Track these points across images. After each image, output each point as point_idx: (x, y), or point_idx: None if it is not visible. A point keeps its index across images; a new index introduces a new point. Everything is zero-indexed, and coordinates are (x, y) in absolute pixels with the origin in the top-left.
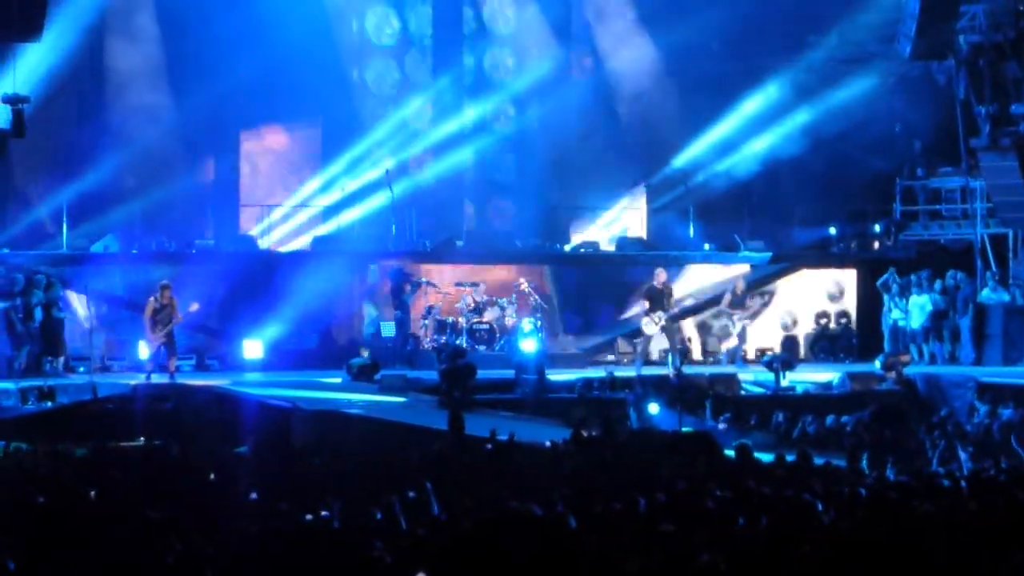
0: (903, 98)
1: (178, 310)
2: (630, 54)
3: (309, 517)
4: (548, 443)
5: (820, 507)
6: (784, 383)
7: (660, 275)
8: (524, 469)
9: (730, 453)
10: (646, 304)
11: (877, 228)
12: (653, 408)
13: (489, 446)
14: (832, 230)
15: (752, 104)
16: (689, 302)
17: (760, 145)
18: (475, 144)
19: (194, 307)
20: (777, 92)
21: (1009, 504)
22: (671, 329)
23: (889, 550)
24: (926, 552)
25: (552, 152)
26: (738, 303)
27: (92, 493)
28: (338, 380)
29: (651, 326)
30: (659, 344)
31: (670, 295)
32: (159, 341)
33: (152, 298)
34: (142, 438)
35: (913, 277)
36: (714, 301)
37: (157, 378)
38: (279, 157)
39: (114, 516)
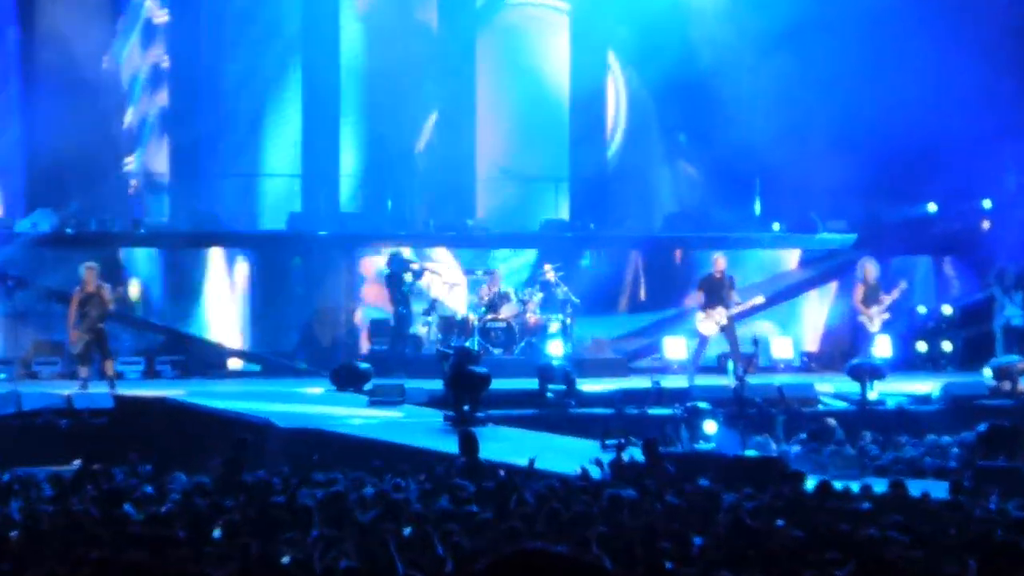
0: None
1: (109, 297)
2: None
3: (287, 560)
4: (579, 469)
5: (918, 552)
6: (872, 396)
7: (719, 261)
8: (549, 501)
9: (807, 483)
10: (701, 297)
11: (987, 204)
12: (709, 427)
13: (502, 473)
14: (931, 206)
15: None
16: (757, 298)
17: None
18: None
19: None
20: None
21: None
22: (732, 328)
23: None
24: None
25: None
26: (872, 297)
27: (13, 533)
28: (320, 390)
29: (708, 324)
30: (720, 347)
31: (731, 286)
32: (85, 339)
33: (77, 287)
34: (77, 461)
35: None
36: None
37: (97, 387)
38: None
39: (40, 559)
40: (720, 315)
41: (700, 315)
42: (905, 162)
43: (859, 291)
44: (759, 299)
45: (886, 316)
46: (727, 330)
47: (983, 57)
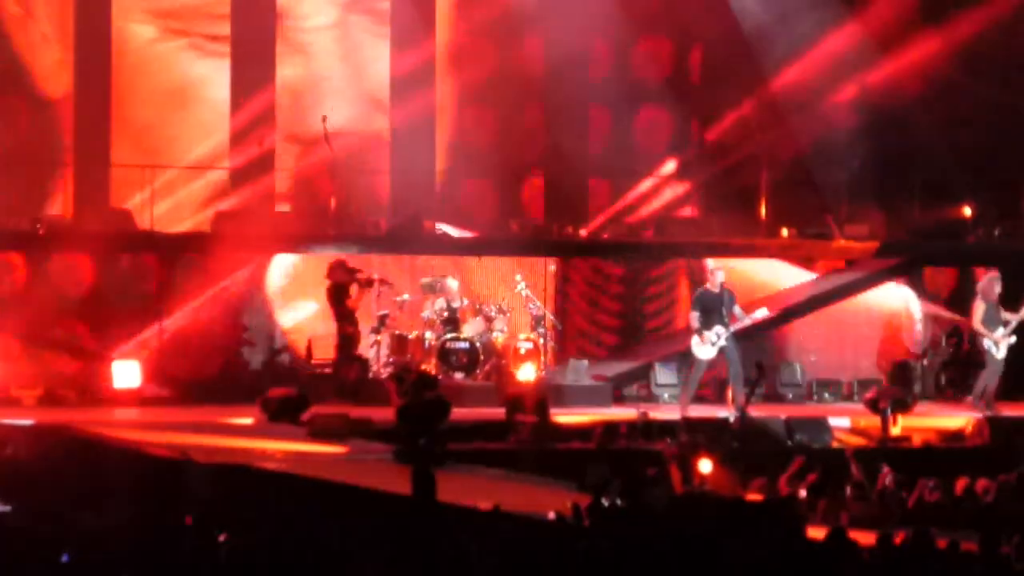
0: None
1: None
2: None
3: None
4: (552, 515)
5: None
6: (895, 431)
7: (716, 275)
8: (518, 551)
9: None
10: (697, 316)
11: None
12: (705, 465)
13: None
14: (967, 210)
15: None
16: (762, 313)
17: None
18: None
19: None
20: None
21: None
22: (734, 351)
23: None
24: None
25: None
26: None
27: None
28: (249, 420)
29: (705, 347)
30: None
31: (731, 302)
32: None
33: None
34: None
35: None
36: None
37: None
38: None
39: None
40: (719, 336)
41: (695, 339)
42: (937, 156)
43: (979, 310)
44: (764, 314)
45: (1012, 340)
46: (727, 352)
47: None
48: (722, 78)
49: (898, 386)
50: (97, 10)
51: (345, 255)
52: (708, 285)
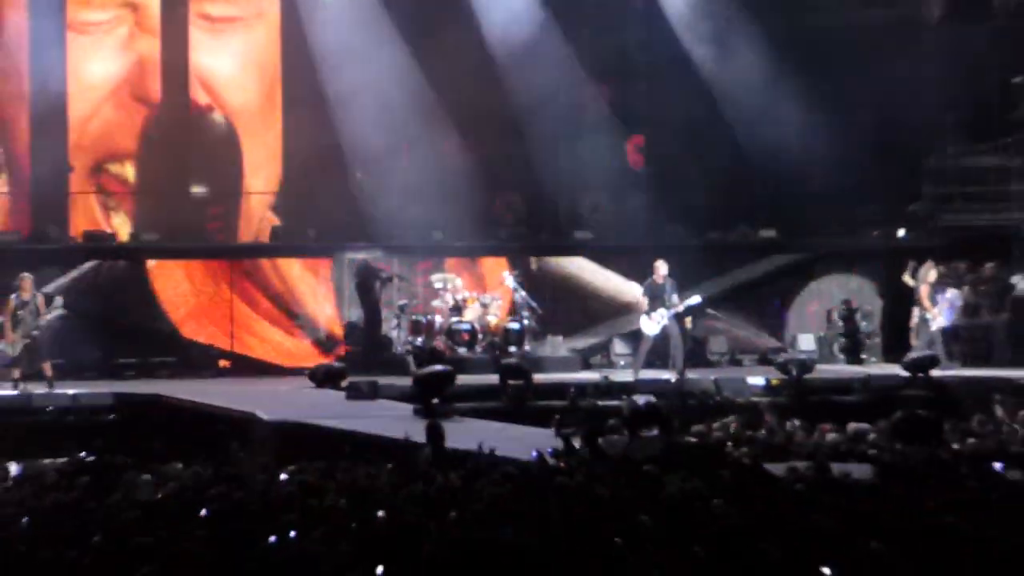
0: (933, 67)
1: (44, 307)
2: None
3: (274, 539)
4: (534, 455)
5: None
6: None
7: (659, 268)
8: (507, 486)
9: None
10: (645, 302)
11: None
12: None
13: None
14: (855, 216)
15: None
16: (693, 298)
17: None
18: None
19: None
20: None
21: None
22: (675, 328)
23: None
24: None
25: None
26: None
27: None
28: (300, 387)
29: (651, 325)
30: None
31: (672, 290)
32: (22, 343)
33: (12, 296)
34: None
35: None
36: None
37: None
38: None
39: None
40: (663, 316)
41: (644, 317)
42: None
43: (925, 291)
44: (695, 299)
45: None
46: (669, 329)
47: None
48: None
49: (800, 351)
50: None
51: (370, 256)
52: (654, 276)
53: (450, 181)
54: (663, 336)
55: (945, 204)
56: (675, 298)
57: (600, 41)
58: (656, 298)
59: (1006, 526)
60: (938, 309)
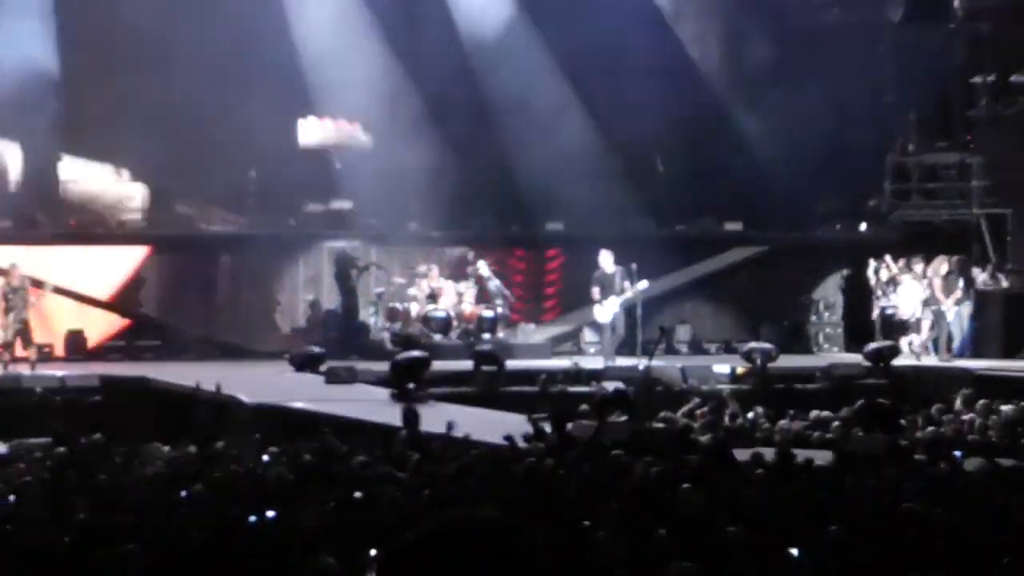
0: (894, 66)
1: (34, 292)
2: None
3: (253, 519)
4: (505, 439)
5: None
6: (762, 375)
7: (606, 257)
8: (479, 468)
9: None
10: (596, 292)
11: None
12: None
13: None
14: (817, 210)
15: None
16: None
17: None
18: None
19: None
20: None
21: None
22: (622, 315)
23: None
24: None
25: None
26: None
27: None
28: (280, 371)
29: (603, 312)
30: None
31: (623, 278)
32: (13, 328)
33: (1, 282)
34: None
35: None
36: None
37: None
38: None
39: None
40: (612, 304)
41: (596, 307)
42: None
43: (939, 284)
44: (643, 284)
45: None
46: (616, 318)
47: None
48: None
49: (765, 342)
50: None
51: (348, 246)
52: (603, 267)
53: (426, 172)
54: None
55: (905, 200)
56: (626, 285)
57: (571, 37)
58: (606, 287)
59: (964, 511)
60: (952, 299)
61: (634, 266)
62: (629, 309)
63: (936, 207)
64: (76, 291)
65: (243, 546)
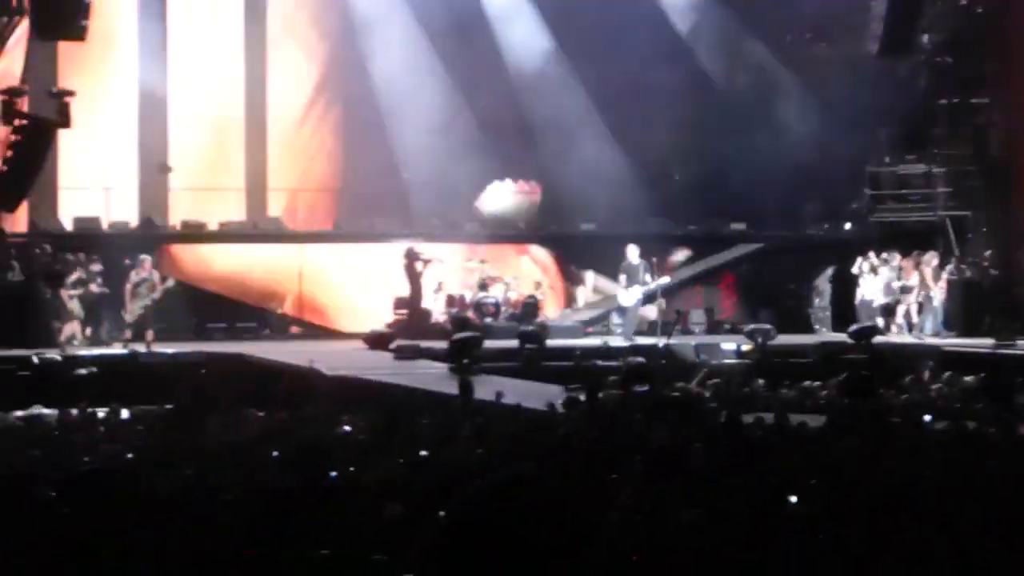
0: (871, 91)
1: (159, 284)
2: None
3: (334, 474)
4: (545, 407)
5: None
6: (762, 351)
7: (632, 251)
8: (523, 432)
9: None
10: (623, 279)
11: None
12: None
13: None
14: (806, 212)
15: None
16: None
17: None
18: None
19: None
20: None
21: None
22: (640, 303)
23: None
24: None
25: None
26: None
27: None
28: (357, 349)
29: (628, 298)
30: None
31: (646, 270)
32: (136, 314)
33: (131, 272)
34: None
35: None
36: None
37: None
38: None
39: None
40: (636, 291)
41: (622, 291)
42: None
43: (928, 273)
44: (666, 280)
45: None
46: (637, 304)
47: None
48: None
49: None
50: None
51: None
52: (629, 258)
53: (477, 182)
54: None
55: (881, 204)
56: (648, 277)
57: (600, 66)
58: (631, 276)
59: (930, 466)
60: (940, 286)
61: (654, 259)
62: (649, 296)
63: (907, 210)
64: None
65: (323, 497)
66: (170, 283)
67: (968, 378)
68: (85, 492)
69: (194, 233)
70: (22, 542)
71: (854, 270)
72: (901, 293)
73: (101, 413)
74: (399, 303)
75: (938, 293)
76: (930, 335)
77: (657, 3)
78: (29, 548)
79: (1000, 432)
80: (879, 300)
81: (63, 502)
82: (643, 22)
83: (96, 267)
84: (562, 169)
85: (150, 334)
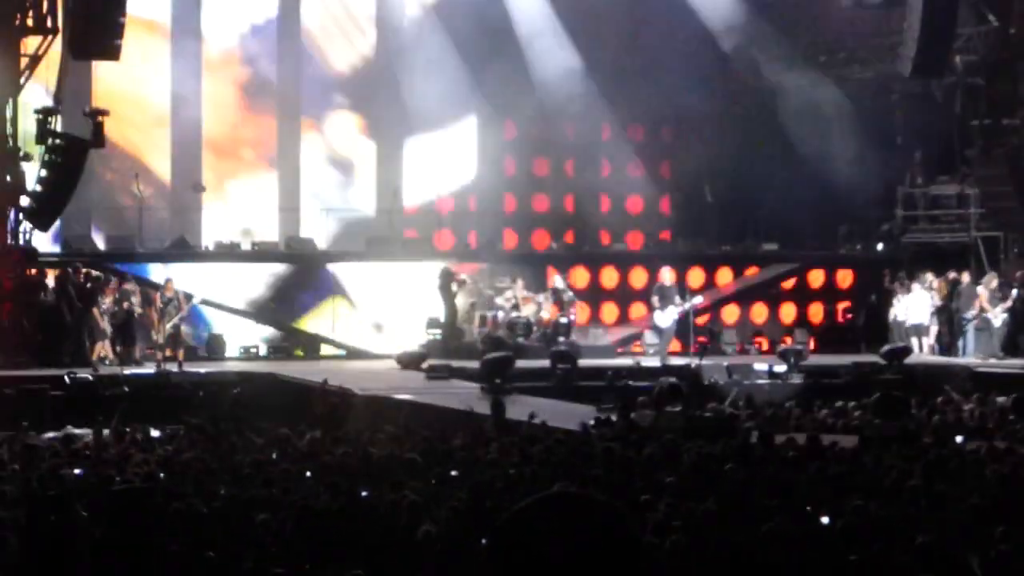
0: (904, 112)
1: (184, 303)
2: None
3: (364, 493)
4: (578, 427)
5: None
6: (794, 371)
7: (665, 273)
8: (558, 450)
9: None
10: (656, 301)
11: (884, 229)
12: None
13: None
14: (840, 233)
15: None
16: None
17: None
18: None
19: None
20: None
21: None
22: (675, 322)
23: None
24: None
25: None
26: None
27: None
28: (389, 369)
29: (662, 319)
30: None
31: (679, 292)
32: (165, 334)
33: (157, 293)
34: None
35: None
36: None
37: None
38: None
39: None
40: (672, 312)
41: (657, 313)
42: (822, 198)
43: (985, 295)
44: (699, 300)
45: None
46: (679, 323)
47: None
48: None
49: (798, 343)
50: None
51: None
52: (662, 280)
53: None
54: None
55: (913, 224)
56: (678, 298)
57: (636, 91)
58: (665, 297)
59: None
60: (999, 308)
61: (686, 283)
62: (683, 317)
63: (939, 231)
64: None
65: (357, 516)
66: (196, 300)
67: (1000, 398)
68: (118, 510)
69: (227, 252)
70: (59, 559)
71: (887, 287)
72: (933, 314)
73: (132, 432)
74: (432, 323)
75: (999, 315)
76: (986, 356)
77: (701, 24)
78: (67, 565)
79: None
80: (912, 320)
81: (96, 520)
82: (684, 44)
83: (129, 286)
84: (593, 192)
85: (181, 354)
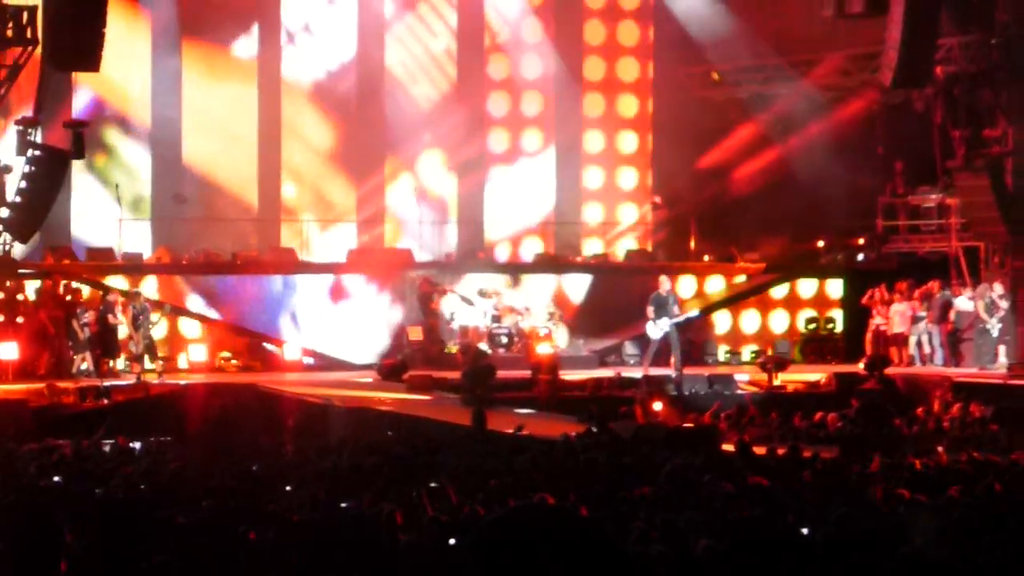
0: (884, 122)
1: (152, 310)
2: None
3: (344, 505)
4: (560, 437)
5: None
6: (776, 382)
7: (663, 282)
8: (540, 461)
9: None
10: (651, 311)
11: (861, 241)
12: (657, 406)
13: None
14: (820, 243)
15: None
16: (692, 311)
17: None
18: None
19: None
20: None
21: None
22: (675, 333)
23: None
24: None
25: None
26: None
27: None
28: (369, 379)
29: (655, 331)
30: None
31: (674, 302)
32: (141, 345)
33: (130, 305)
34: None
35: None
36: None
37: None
38: None
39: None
40: (665, 323)
41: (650, 324)
42: (802, 210)
43: (982, 306)
44: (694, 311)
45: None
46: (670, 335)
47: None
48: None
49: (777, 353)
50: None
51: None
52: (659, 289)
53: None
54: (665, 340)
55: (894, 234)
56: (676, 309)
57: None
58: (660, 307)
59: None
60: (995, 319)
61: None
62: (677, 327)
63: (920, 240)
64: (193, 312)
65: (338, 527)
66: (166, 308)
67: (978, 408)
68: (101, 521)
69: (208, 263)
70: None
71: (864, 299)
72: (914, 323)
73: (114, 442)
74: (412, 333)
75: (995, 325)
76: (992, 367)
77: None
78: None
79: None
80: (892, 330)
81: (79, 531)
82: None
83: (111, 297)
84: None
85: (159, 364)
